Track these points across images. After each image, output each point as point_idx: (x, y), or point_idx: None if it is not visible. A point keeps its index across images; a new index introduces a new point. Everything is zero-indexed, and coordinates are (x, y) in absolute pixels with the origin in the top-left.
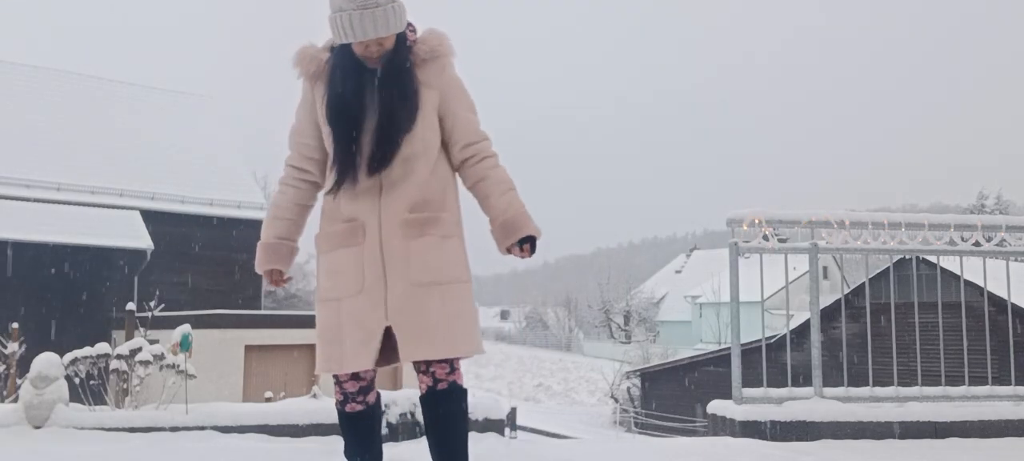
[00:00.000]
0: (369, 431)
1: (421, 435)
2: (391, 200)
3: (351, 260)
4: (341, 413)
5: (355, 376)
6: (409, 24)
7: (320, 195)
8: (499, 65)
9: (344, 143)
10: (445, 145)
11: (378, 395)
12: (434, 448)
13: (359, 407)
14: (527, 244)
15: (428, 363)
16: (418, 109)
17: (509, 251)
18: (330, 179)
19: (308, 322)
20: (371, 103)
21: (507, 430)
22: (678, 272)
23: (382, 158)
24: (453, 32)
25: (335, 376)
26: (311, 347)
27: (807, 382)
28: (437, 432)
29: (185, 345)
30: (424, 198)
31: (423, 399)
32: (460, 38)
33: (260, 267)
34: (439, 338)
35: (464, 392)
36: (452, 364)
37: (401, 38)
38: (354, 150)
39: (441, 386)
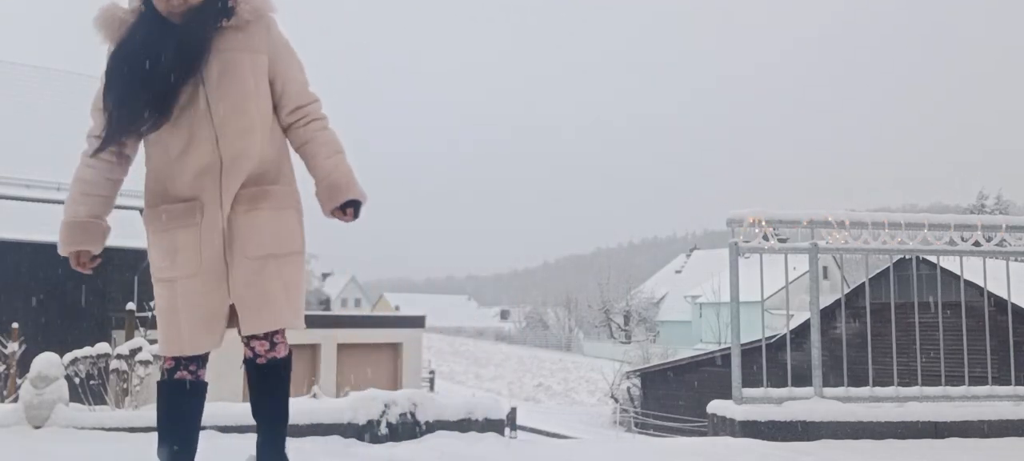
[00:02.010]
0: (193, 408)
1: (420, 435)
2: (231, 179)
3: (189, 240)
4: (166, 383)
5: None
6: None
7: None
8: (501, 64)
9: (124, 93)
10: (275, 109)
11: (204, 377)
12: (256, 414)
13: (189, 376)
14: (350, 208)
15: (249, 337)
16: (201, 64)
17: (333, 215)
18: (99, 136)
19: (309, 321)
20: (163, 57)
21: (507, 430)
22: (678, 272)
23: (163, 111)
24: (459, 31)
25: None
26: (312, 347)
27: (807, 382)
28: (258, 402)
29: None
30: (260, 171)
31: (246, 365)
32: (465, 36)
33: (66, 248)
34: (271, 309)
35: (286, 363)
36: (272, 340)
37: None
38: (136, 104)
39: (260, 361)
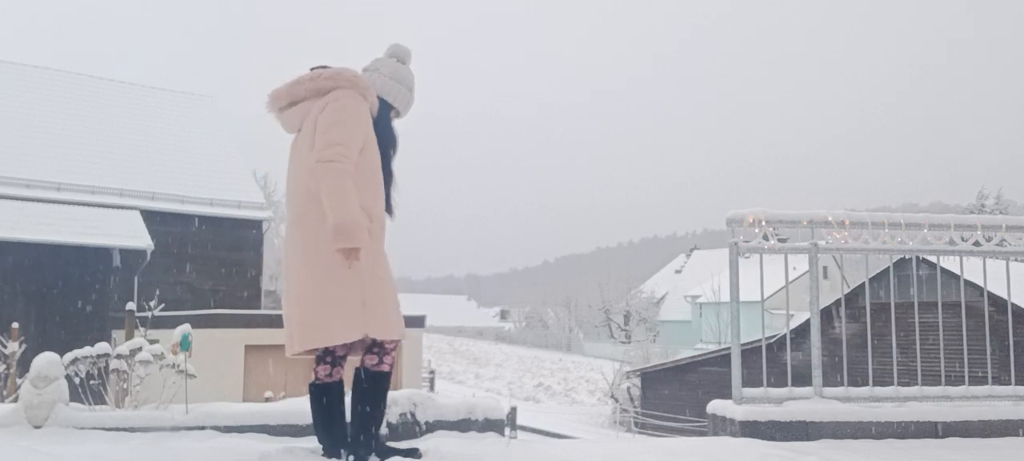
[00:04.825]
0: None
1: (420, 435)
2: None
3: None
4: (327, 386)
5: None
6: None
7: None
8: (502, 64)
9: (388, 182)
10: None
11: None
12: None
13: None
14: None
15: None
16: None
17: None
18: (385, 207)
19: None
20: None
21: (507, 430)
22: (678, 272)
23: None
24: (457, 30)
25: (324, 354)
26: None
27: (807, 382)
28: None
29: (185, 345)
30: None
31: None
32: (463, 35)
33: (359, 242)
34: None
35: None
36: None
37: None
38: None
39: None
